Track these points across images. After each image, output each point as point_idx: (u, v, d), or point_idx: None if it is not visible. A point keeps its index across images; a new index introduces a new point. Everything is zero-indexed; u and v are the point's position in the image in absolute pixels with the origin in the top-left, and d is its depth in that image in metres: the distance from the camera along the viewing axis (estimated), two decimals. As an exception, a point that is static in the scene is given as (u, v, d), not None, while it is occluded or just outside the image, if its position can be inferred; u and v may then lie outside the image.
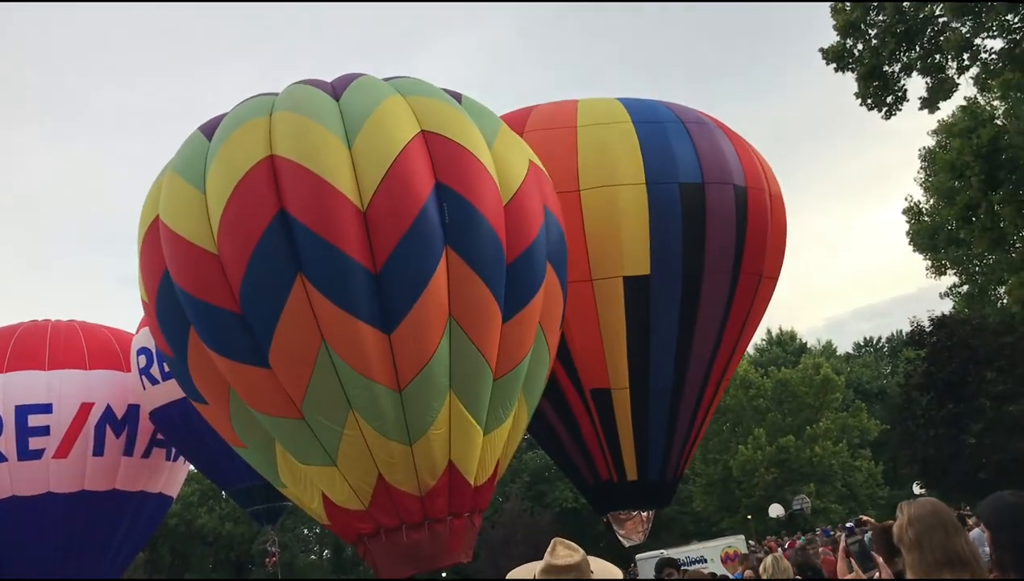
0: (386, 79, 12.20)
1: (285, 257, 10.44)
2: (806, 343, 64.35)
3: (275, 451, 11.90)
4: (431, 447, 11.35)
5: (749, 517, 45.29)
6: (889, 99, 19.02)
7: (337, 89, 11.63)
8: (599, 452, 15.20)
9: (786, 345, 62.25)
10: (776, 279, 16.14)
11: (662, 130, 14.54)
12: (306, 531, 46.55)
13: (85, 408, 20.04)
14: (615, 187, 14.01)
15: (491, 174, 11.17)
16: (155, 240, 11.36)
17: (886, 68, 18.75)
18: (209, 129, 11.62)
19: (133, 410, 20.56)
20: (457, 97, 12.19)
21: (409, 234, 10.48)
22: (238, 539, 47.26)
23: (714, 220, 14.32)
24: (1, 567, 20.21)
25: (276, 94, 11.88)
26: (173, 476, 22.63)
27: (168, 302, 11.33)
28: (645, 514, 15.90)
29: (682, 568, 11.95)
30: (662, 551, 27.40)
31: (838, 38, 19.06)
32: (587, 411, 14.88)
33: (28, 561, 19.77)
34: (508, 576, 4.06)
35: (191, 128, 12.12)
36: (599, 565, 3.95)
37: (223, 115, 11.84)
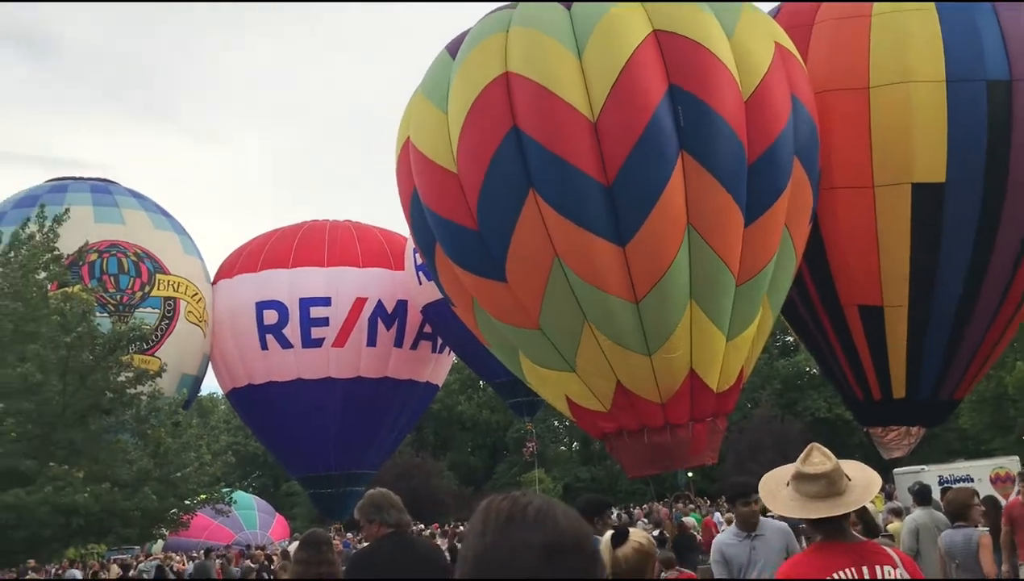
0: None
1: (517, 173, 10.62)
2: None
3: (518, 355, 12.40)
4: (672, 356, 11.30)
5: (1025, 439, 42.03)
6: None
7: None
8: (860, 369, 14.31)
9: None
10: None
11: (969, 18, 12.81)
12: (556, 423, 48.34)
13: (359, 302, 21.89)
14: (910, 84, 12.58)
15: (729, 70, 10.61)
16: (407, 160, 12.04)
17: None
18: (454, 47, 11.91)
19: (402, 305, 22.17)
20: None
21: (640, 143, 10.25)
22: (494, 426, 50.03)
23: (1022, 123, 12.65)
24: (288, 440, 22.78)
25: (516, 5, 11.85)
26: (438, 366, 24.37)
27: (418, 218, 12.09)
28: (913, 429, 15.10)
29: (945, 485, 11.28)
30: (923, 466, 26.07)
31: None
32: (846, 328, 13.95)
33: (312, 437, 22.11)
34: (763, 478, 3.97)
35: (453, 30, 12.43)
36: (859, 472, 3.74)
37: (469, 30, 12.03)
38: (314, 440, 22.17)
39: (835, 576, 3.44)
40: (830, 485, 3.62)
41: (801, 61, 12.04)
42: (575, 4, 11.14)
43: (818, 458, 3.68)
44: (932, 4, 12.95)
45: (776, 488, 3.84)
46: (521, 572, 1.27)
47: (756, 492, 4.32)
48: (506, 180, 10.71)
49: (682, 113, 10.36)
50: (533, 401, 20.70)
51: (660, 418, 11.84)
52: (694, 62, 10.52)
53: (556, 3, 11.31)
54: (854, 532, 4.03)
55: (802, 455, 3.72)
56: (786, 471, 3.84)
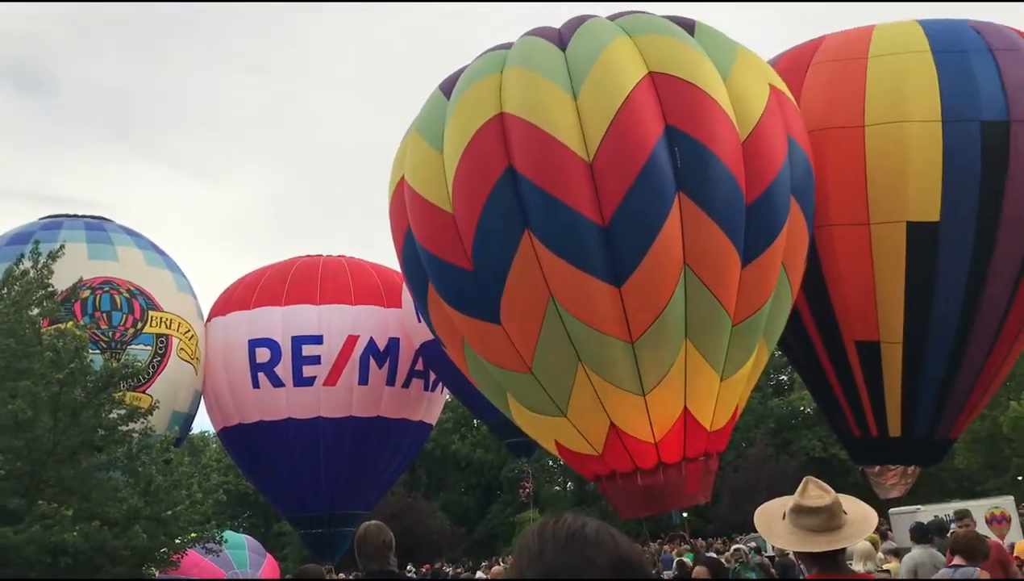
0: (614, 16, 11.93)
1: (513, 213, 10.66)
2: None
3: (507, 397, 12.37)
4: (666, 395, 11.30)
5: (1020, 478, 41.89)
6: None
7: (564, 37, 11.55)
8: (858, 405, 14.38)
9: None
10: None
11: (964, 60, 13.09)
12: (551, 463, 48.07)
13: (351, 340, 21.79)
14: (905, 124, 12.83)
15: (725, 111, 10.70)
16: (401, 198, 12.06)
17: None
18: (448, 86, 12.00)
19: (394, 343, 22.08)
20: (690, 26, 11.62)
21: (637, 183, 10.33)
22: (488, 465, 49.71)
23: (1018, 164, 12.81)
24: (279, 480, 22.58)
25: (510, 46, 11.99)
26: (431, 405, 24.18)
27: (411, 256, 12.09)
28: (909, 469, 15.04)
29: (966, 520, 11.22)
30: (919, 507, 25.98)
31: None
32: (846, 363, 14.07)
33: (302, 476, 21.92)
34: (757, 511, 3.97)
35: (447, 68, 12.59)
36: (855, 507, 3.74)
37: (463, 69, 12.16)
38: (305, 480, 21.97)
39: None
40: (830, 519, 3.61)
41: (795, 102, 12.16)
42: (570, 45, 11.25)
43: (816, 491, 3.67)
44: (928, 49, 13.19)
45: (772, 521, 3.82)
46: None
47: None
48: (501, 221, 10.75)
49: (679, 154, 10.43)
50: (529, 442, 20.62)
51: (653, 458, 11.79)
52: (691, 103, 10.60)
53: (551, 44, 11.43)
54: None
55: (799, 488, 3.71)
56: (780, 504, 3.84)
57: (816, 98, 13.27)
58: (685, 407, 11.52)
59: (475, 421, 44.95)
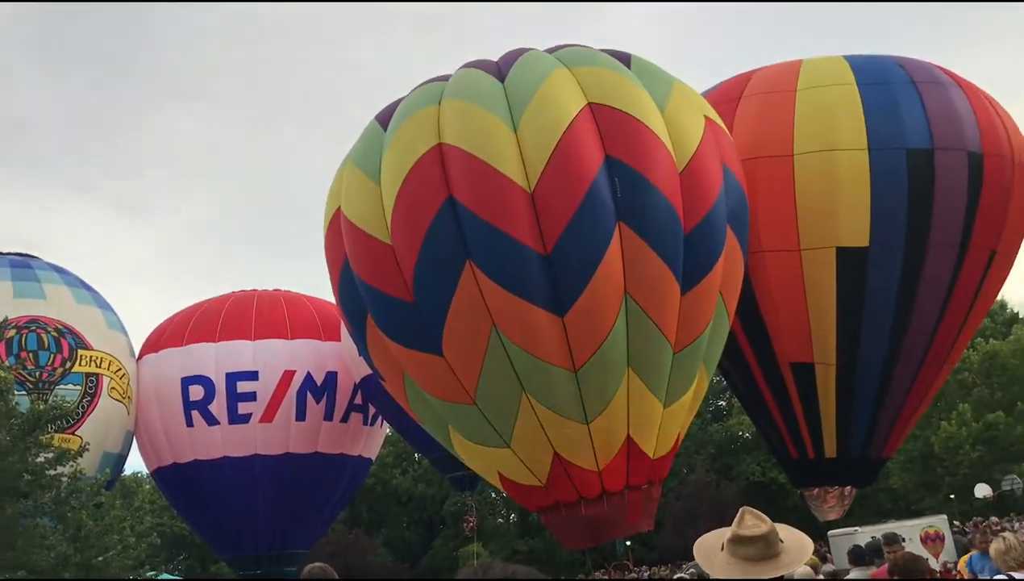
0: (552, 49, 12.04)
1: (454, 244, 10.59)
2: (1018, 313, 59.83)
3: (449, 430, 12.22)
4: (609, 424, 11.29)
5: (952, 497, 42.84)
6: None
7: (503, 68, 11.61)
8: (795, 427, 14.67)
9: (995, 315, 58.01)
10: (1013, 256, 14.74)
11: (889, 92, 13.58)
12: (494, 495, 47.80)
13: (288, 375, 21.43)
14: (833, 152, 13.21)
15: (663, 142, 10.84)
16: (337, 229, 11.90)
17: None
18: (384, 118, 11.92)
19: (332, 377, 21.79)
20: (626, 60, 11.79)
21: (579, 213, 10.36)
22: (430, 500, 49.21)
23: (943, 190, 13.24)
24: (215, 520, 22.05)
25: (447, 78, 12.00)
26: (371, 440, 23.87)
27: (348, 288, 11.89)
28: (846, 490, 15.32)
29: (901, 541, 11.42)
30: (856, 528, 26.34)
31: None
32: (782, 385, 14.36)
33: (240, 516, 21.41)
34: (696, 543, 4.00)
35: (383, 101, 12.54)
36: (791, 535, 3.81)
37: (399, 101, 12.10)
38: (242, 520, 21.46)
39: None
40: (767, 547, 3.66)
41: (728, 133, 12.40)
42: (509, 77, 11.31)
43: (752, 521, 3.72)
44: (854, 81, 13.68)
45: (711, 552, 3.85)
46: None
47: None
48: (443, 251, 10.66)
49: (619, 184, 10.50)
50: (473, 475, 20.48)
51: (597, 486, 11.76)
52: (629, 134, 10.71)
53: (489, 76, 11.46)
54: None
55: (736, 519, 3.75)
56: (717, 535, 3.88)
57: (748, 129, 13.65)
58: (628, 435, 11.52)
59: (416, 455, 44.53)
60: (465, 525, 26.71)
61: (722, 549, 3.77)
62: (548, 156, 10.46)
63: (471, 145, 10.63)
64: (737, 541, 3.69)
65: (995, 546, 7.76)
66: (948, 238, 13.46)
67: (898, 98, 13.55)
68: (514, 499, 13.19)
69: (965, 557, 12.55)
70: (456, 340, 10.96)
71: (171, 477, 22.11)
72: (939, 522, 29.51)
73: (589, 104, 10.82)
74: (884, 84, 13.76)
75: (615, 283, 10.65)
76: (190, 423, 21.09)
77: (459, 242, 10.60)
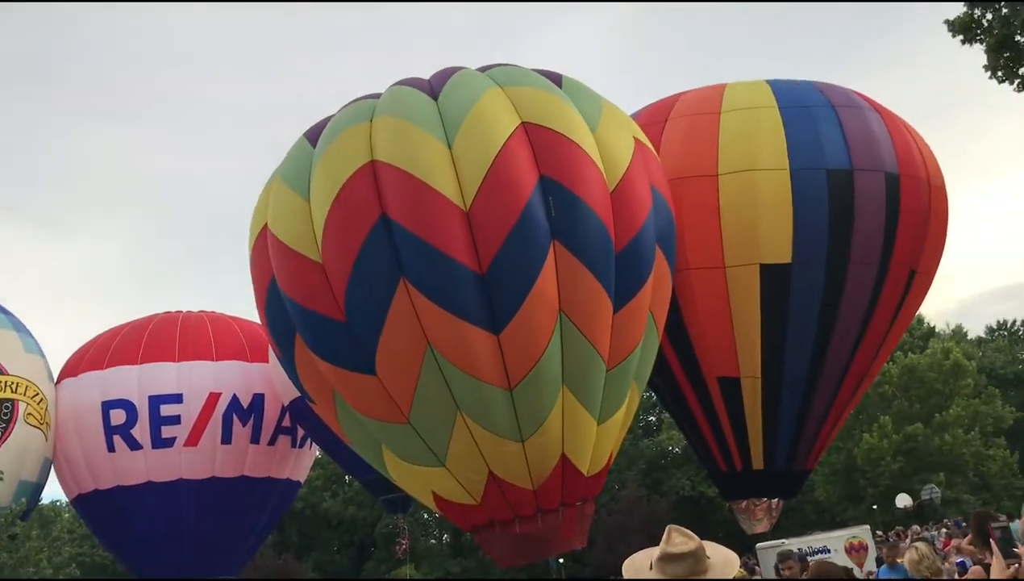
0: (484, 68, 12.07)
1: (388, 262, 10.46)
2: (934, 327, 61.77)
3: (382, 450, 12.05)
4: (544, 442, 11.28)
5: (874, 507, 43.91)
6: (1022, 71, 18.00)
7: (435, 87, 11.58)
8: (723, 440, 14.98)
9: (913, 330, 59.82)
10: (932, 275, 15.26)
11: (809, 114, 14.05)
12: (426, 516, 47.43)
13: (213, 398, 20.91)
14: (755, 172, 13.59)
15: (595, 162, 10.94)
16: (264, 247, 11.64)
17: (1018, 38, 17.76)
18: (314, 135, 11.76)
19: (258, 399, 21.35)
20: (557, 79, 11.90)
21: (514, 232, 10.37)
22: (361, 523, 48.59)
23: (863, 209, 13.70)
24: (138, 550, 21.40)
25: (379, 96, 11.93)
26: (299, 462, 23.42)
27: (275, 307, 11.59)
28: (773, 502, 15.61)
29: (807, 558, 11.69)
30: (783, 541, 26.74)
31: (965, 8, 18.12)
32: (709, 399, 14.64)
33: (164, 543, 20.79)
34: (625, 563, 4.03)
35: (307, 122, 12.36)
36: (716, 551, 3.88)
37: (329, 118, 11.97)
38: (166, 546, 20.83)
39: None
40: (696, 564, 3.72)
41: (656, 154, 12.62)
42: (442, 96, 11.28)
43: (679, 538, 3.78)
44: (776, 104, 14.16)
45: (640, 571, 3.89)
46: None
47: None
48: (376, 270, 10.51)
49: (553, 203, 10.54)
50: (406, 497, 20.25)
51: (532, 505, 11.75)
52: (562, 154, 10.77)
53: (422, 93, 11.42)
54: None
55: (664, 537, 3.81)
56: (646, 554, 3.93)
57: (674, 150, 14.00)
58: (563, 453, 11.53)
59: (347, 477, 43.93)
60: (398, 548, 26.46)
61: (651, 568, 3.81)
62: (483, 175, 10.44)
63: (406, 163, 10.53)
64: (666, 559, 3.73)
65: (908, 556, 8.01)
66: (868, 256, 13.90)
67: (818, 120, 14.00)
68: (448, 518, 13.07)
69: (873, 570, 12.89)
70: (390, 359, 10.81)
71: (92, 504, 21.35)
72: (862, 532, 30.14)
73: (523, 123, 10.85)
74: (804, 107, 14.23)
75: (550, 301, 10.68)
76: (111, 448, 20.43)
77: (393, 260, 10.47)
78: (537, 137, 10.80)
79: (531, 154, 10.70)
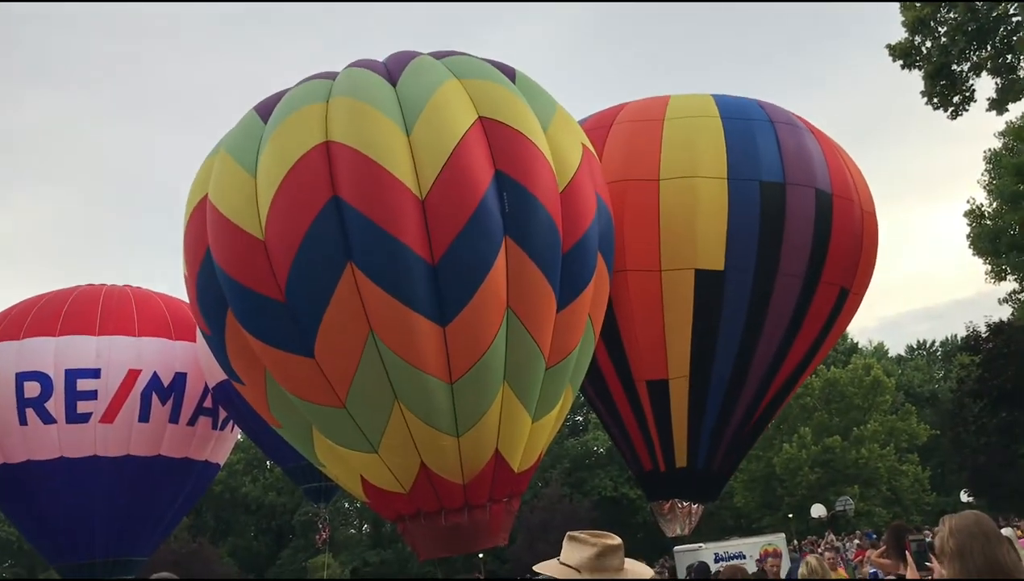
0: (439, 55, 11.93)
1: (335, 245, 10.19)
2: (857, 343, 63.37)
3: (312, 432, 11.79)
4: (479, 437, 11.22)
5: (790, 516, 44.83)
6: (956, 99, 18.52)
7: (392, 72, 11.38)
8: (650, 440, 15.18)
9: (836, 345, 61.29)
10: (861, 295, 15.75)
11: (749, 128, 14.43)
12: (347, 505, 47.01)
13: (132, 375, 20.30)
14: (695, 179, 13.88)
15: (548, 160, 10.92)
16: (201, 218, 11.19)
17: (955, 67, 18.26)
18: (265, 110, 11.42)
19: (180, 378, 20.80)
20: (511, 74, 11.85)
21: (469, 225, 10.25)
22: (280, 509, 47.94)
23: (793, 222, 14.07)
24: (47, 525, 20.73)
25: (334, 75, 11.67)
26: (219, 445, 22.89)
27: (208, 282, 11.15)
28: (694, 507, 15.82)
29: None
30: (700, 544, 27.21)
31: (906, 35, 18.57)
32: (638, 400, 14.82)
33: (74, 520, 20.19)
34: (539, 567, 3.88)
35: (248, 102, 12.04)
36: (628, 563, 3.84)
37: (280, 93, 11.65)
38: (77, 524, 20.21)
39: None
40: (623, 556, 3.74)
41: (599, 162, 12.77)
42: (401, 82, 11.09)
43: (603, 534, 3.75)
44: (718, 116, 14.52)
45: (572, 573, 3.74)
46: None
47: None
48: (323, 251, 10.23)
49: (507, 198, 10.47)
50: (327, 486, 19.95)
51: (460, 499, 11.68)
52: (518, 150, 10.71)
53: (380, 77, 11.22)
54: None
55: (585, 536, 3.74)
56: (567, 559, 3.80)
57: (617, 153, 14.29)
58: (497, 449, 11.48)
59: (268, 463, 43.29)
60: (318, 537, 26.21)
61: (585, 571, 3.69)
62: (441, 165, 10.28)
63: (364, 145, 10.28)
64: (607, 553, 3.67)
65: (801, 570, 8.20)
66: (795, 269, 14.27)
67: (756, 134, 14.39)
68: (373, 505, 12.86)
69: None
70: (330, 343, 10.55)
71: (0, 478, 20.67)
72: (777, 540, 30.82)
73: (480, 118, 10.75)
74: (745, 120, 14.61)
75: (499, 296, 10.58)
76: (23, 421, 19.70)
77: (341, 243, 10.21)
78: (493, 132, 10.71)
79: (487, 149, 10.60)
